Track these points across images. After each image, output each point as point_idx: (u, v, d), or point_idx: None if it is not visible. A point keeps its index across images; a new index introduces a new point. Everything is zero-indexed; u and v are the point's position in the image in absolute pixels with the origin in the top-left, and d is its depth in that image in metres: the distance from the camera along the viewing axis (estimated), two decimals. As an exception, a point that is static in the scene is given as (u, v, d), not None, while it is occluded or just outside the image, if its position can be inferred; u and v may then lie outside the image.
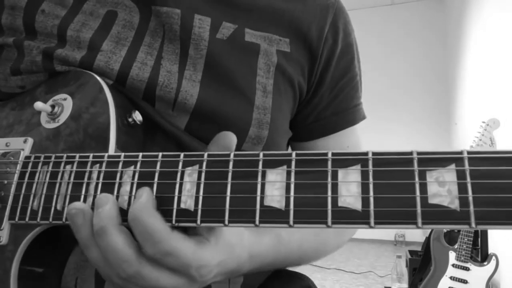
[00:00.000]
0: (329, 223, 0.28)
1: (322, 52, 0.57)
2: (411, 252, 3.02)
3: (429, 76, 4.88)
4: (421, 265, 2.57)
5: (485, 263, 2.10)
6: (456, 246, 2.16)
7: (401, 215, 0.26)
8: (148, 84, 0.48)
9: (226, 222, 0.31)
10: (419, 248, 3.20)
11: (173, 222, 0.33)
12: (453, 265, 2.14)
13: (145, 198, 0.34)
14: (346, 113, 0.60)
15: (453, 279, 2.11)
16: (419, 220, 0.26)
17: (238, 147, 0.51)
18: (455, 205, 0.25)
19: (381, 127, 4.67)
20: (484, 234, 2.30)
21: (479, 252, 2.29)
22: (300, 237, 0.52)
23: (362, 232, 4.59)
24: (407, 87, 4.96)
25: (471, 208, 0.25)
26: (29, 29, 0.52)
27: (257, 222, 0.30)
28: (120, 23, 0.51)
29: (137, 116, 0.45)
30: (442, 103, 4.73)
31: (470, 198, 0.25)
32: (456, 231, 2.43)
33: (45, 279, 0.46)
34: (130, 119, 0.45)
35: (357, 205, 0.27)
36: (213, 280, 0.39)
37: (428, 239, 2.50)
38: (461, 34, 3.98)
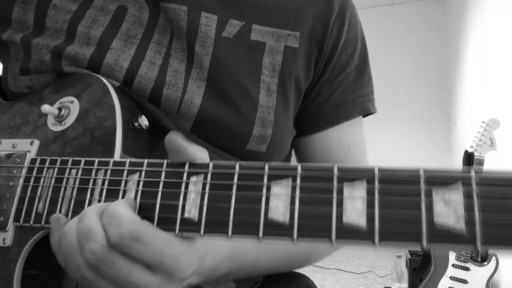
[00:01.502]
0: (333, 239, 0.27)
1: (328, 43, 0.57)
2: (411, 252, 3.01)
3: (429, 76, 4.87)
4: (421, 265, 2.57)
5: (485, 263, 2.10)
6: (456, 247, 2.16)
7: (406, 235, 0.26)
8: (155, 83, 0.49)
9: (230, 234, 0.31)
10: (419, 248, 3.20)
11: (177, 231, 0.33)
12: (453, 265, 2.14)
13: (121, 200, 0.34)
14: (344, 106, 0.59)
15: (453, 279, 2.11)
16: (424, 240, 0.25)
17: (243, 147, 0.51)
18: (460, 225, 0.25)
19: (380, 127, 4.66)
20: (484, 234, 2.30)
21: (479, 252, 2.29)
22: None
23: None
24: (407, 86, 4.95)
25: (477, 228, 0.24)
26: (38, 24, 0.52)
27: (260, 235, 0.30)
28: (129, 19, 0.52)
29: (144, 121, 0.46)
30: (442, 103, 4.72)
31: (476, 218, 0.24)
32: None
33: (48, 281, 0.46)
34: (136, 124, 0.46)
35: (362, 222, 0.27)
36: (191, 279, 0.36)
37: (428, 239, 2.50)
38: (461, 34, 3.98)
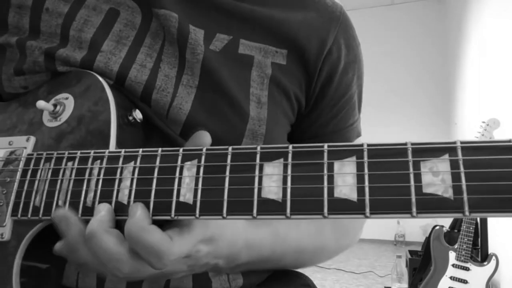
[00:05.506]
0: (325, 213, 0.28)
1: (322, 66, 0.55)
2: (411, 252, 3.02)
3: (429, 76, 4.88)
4: (421, 265, 2.57)
5: (485, 263, 2.10)
6: (456, 246, 2.16)
7: (396, 205, 0.26)
8: (145, 86, 0.49)
9: (225, 214, 0.32)
10: (419, 248, 3.20)
11: (172, 215, 0.34)
12: (453, 265, 2.14)
13: (139, 213, 0.34)
14: (344, 131, 0.60)
15: (453, 279, 2.11)
16: (414, 209, 0.26)
17: None
18: (449, 194, 0.25)
19: (380, 127, 4.67)
20: (484, 234, 2.30)
21: (479, 252, 2.29)
22: (298, 236, 0.51)
23: (362, 232, 4.58)
24: (407, 86, 4.96)
25: (465, 196, 0.25)
26: (34, 28, 0.52)
27: (254, 214, 0.30)
28: (122, 21, 0.52)
29: (138, 115, 0.46)
30: (442, 103, 4.73)
31: (464, 187, 0.25)
32: (456, 230, 2.43)
33: (47, 275, 0.46)
34: (130, 117, 0.46)
35: (352, 195, 0.28)
36: (207, 260, 0.39)
37: (428, 239, 2.50)
38: (461, 34, 3.98)
